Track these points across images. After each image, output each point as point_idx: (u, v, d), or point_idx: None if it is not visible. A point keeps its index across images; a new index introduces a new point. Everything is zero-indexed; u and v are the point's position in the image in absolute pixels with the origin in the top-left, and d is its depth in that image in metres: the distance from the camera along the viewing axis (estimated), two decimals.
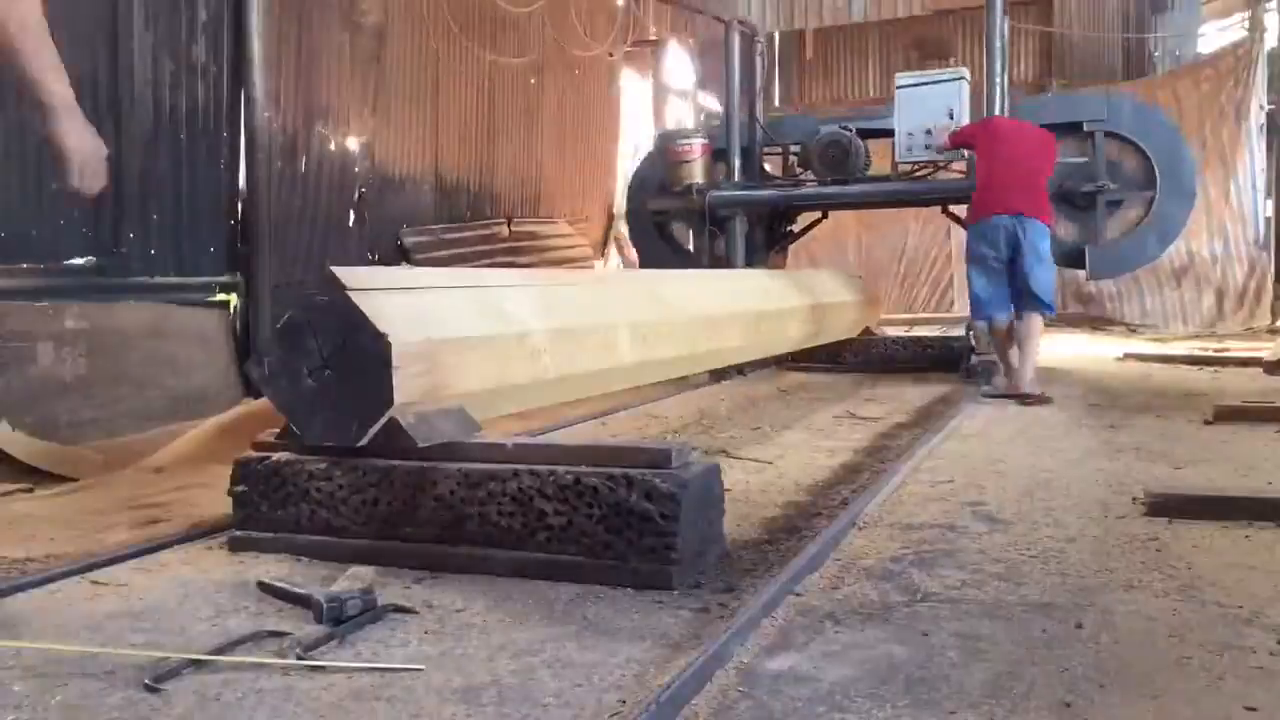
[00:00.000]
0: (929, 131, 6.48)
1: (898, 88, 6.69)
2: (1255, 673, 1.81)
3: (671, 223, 7.79)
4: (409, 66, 7.65)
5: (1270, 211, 11.07)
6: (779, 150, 7.71)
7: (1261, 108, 10.80)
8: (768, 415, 5.10)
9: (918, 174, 6.86)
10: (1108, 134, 6.58)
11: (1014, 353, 5.49)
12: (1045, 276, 5.47)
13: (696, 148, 7.14)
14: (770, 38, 14.70)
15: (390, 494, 2.55)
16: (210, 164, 5.63)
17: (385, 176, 7.35)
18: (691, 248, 7.73)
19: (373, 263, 7.13)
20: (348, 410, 2.54)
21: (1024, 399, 5.30)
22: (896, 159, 6.74)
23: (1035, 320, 5.48)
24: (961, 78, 6.63)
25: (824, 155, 6.87)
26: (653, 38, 12.39)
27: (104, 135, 4.99)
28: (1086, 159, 6.59)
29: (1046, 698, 1.71)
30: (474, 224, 8.46)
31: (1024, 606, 2.17)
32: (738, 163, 7.32)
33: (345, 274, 2.61)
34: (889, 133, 6.74)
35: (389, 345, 2.48)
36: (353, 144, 6.97)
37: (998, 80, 6.41)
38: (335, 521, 2.60)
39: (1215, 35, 13.51)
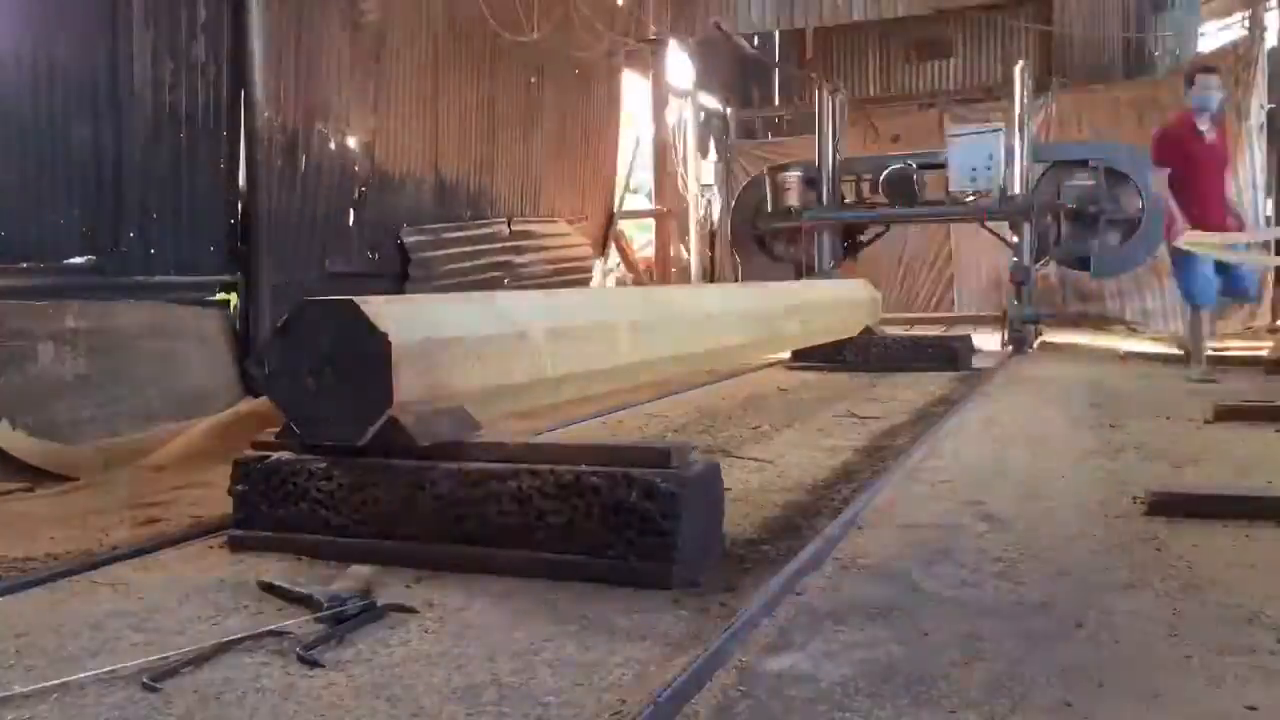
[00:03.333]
0: (974, 169, 8.41)
1: (950, 136, 8.84)
2: (1255, 672, 1.81)
3: (770, 238, 9.68)
4: (409, 66, 7.65)
5: (1271, 210, 11.06)
6: (852, 180, 9.55)
7: (1262, 107, 10.78)
8: (768, 415, 5.10)
9: (964, 199, 8.66)
10: (1108, 170, 8.45)
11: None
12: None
13: (795, 178, 9.20)
14: (770, 37, 14.71)
15: (390, 493, 2.55)
16: (210, 163, 5.63)
17: (385, 176, 7.34)
18: (785, 258, 9.61)
19: (372, 262, 7.13)
20: (348, 409, 2.55)
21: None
22: (950, 188, 8.62)
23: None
24: (999, 130, 8.41)
25: (893, 183, 8.74)
26: (653, 38, 12.39)
27: (104, 134, 5.06)
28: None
29: (1046, 698, 1.71)
30: (474, 223, 8.46)
31: (1024, 606, 2.17)
32: (826, 190, 9.16)
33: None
34: (942, 166, 8.63)
35: (389, 344, 2.48)
36: (353, 143, 6.97)
37: (1022, 136, 8.44)
38: (335, 520, 2.60)
39: (1215, 34, 13.49)
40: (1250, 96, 10.61)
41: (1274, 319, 10.59)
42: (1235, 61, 10.75)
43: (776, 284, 7.09)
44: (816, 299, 6.68)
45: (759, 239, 9.70)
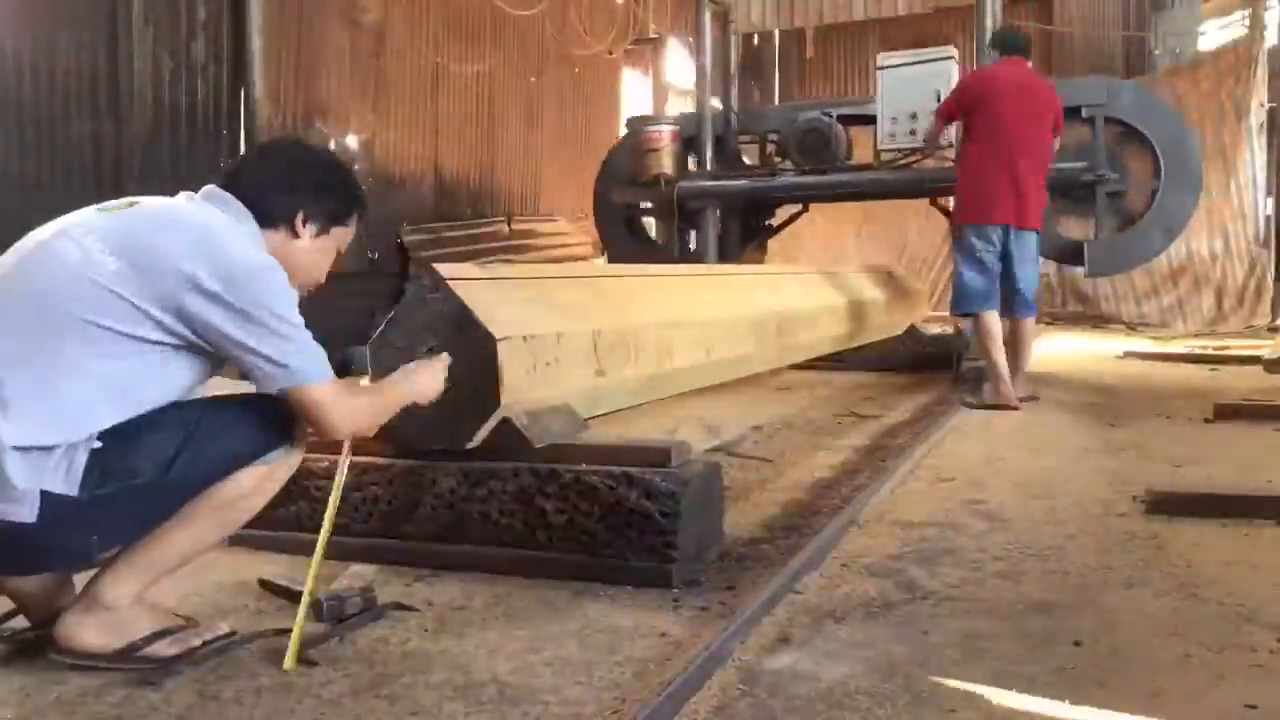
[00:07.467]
0: (914, 116, 5.92)
1: (880, 68, 6.18)
2: (1255, 671, 1.81)
3: (640, 216, 7.39)
4: (409, 65, 7.65)
5: (1270, 209, 11.06)
6: (756, 140, 7.28)
7: (1262, 105, 10.79)
8: (768, 414, 5.10)
9: (902, 163, 6.33)
10: (1108, 120, 6.16)
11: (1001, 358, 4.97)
12: (1035, 276, 5.11)
13: (666, 135, 6.74)
14: (770, 36, 14.72)
15: (391, 492, 2.55)
16: (210, 161, 5.63)
17: (385, 175, 7.35)
18: (661, 242, 7.35)
19: (372, 261, 7.14)
20: (456, 411, 2.40)
21: (1013, 406, 4.87)
22: (878, 146, 6.28)
23: (1029, 324, 5.20)
24: (950, 57, 6.08)
25: (802, 143, 6.51)
26: (653, 35, 12.39)
27: (104, 133, 5.05)
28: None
29: (1046, 696, 1.71)
30: (474, 222, 8.47)
31: (1024, 604, 2.17)
32: (710, 151, 6.87)
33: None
34: (873, 119, 6.28)
35: (497, 343, 2.37)
36: (352, 142, 6.97)
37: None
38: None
39: (1216, 33, 13.49)
40: (1250, 95, 10.62)
41: (1274, 317, 10.60)
42: (1235, 59, 10.76)
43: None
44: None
45: (627, 219, 7.36)
